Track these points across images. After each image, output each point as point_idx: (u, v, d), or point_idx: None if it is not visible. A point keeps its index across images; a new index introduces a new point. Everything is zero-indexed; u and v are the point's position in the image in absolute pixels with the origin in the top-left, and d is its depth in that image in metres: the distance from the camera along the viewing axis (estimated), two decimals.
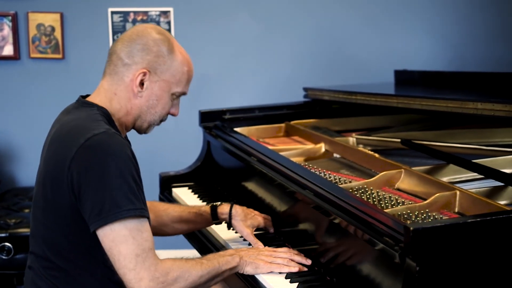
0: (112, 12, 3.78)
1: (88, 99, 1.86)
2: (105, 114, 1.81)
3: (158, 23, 3.81)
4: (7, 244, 3.16)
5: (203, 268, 1.75)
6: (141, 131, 1.93)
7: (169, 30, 3.82)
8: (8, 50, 3.79)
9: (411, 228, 1.43)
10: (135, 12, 3.80)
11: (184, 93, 1.92)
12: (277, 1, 3.85)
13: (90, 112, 1.79)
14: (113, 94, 1.84)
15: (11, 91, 3.86)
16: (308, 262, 1.90)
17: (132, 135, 3.88)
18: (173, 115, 1.94)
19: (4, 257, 3.17)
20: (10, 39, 3.78)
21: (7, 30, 3.78)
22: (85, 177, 1.65)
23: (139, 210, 1.66)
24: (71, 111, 1.84)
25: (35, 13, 3.75)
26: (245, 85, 3.90)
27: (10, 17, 3.76)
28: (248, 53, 3.88)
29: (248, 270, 1.87)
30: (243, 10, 3.84)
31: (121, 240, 1.64)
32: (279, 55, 3.89)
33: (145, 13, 3.80)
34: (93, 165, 1.65)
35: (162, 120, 1.92)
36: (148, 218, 1.70)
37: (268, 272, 1.87)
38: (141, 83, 1.82)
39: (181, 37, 3.83)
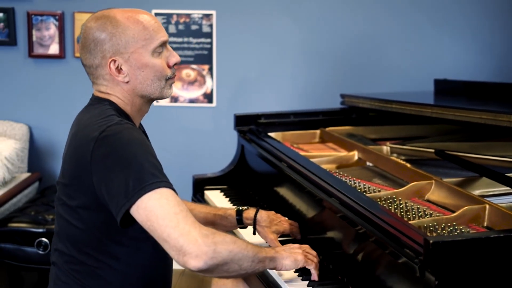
0: (156, 14, 3.82)
1: (97, 95, 1.88)
2: (117, 108, 1.83)
3: (200, 25, 3.83)
4: (44, 239, 3.22)
5: (247, 242, 1.72)
6: (161, 98, 1.89)
7: (211, 33, 3.84)
8: (54, 49, 3.87)
9: (431, 241, 1.41)
10: (178, 14, 3.84)
11: (164, 42, 1.84)
12: (319, 6, 3.83)
13: (102, 108, 1.81)
14: (110, 95, 1.85)
15: (56, 89, 3.94)
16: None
17: (172, 136, 3.92)
18: (175, 64, 1.87)
19: (41, 252, 3.23)
20: (56, 38, 3.86)
21: (53, 30, 3.86)
22: (106, 167, 1.66)
23: (164, 182, 1.65)
24: (86, 110, 1.87)
25: (81, 13, 3.82)
26: (283, 89, 3.90)
27: (57, 17, 3.85)
28: (288, 57, 3.88)
29: (288, 264, 1.81)
30: (285, 14, 3.84)
31: (155, 205, 1.61)
32: (319, 60, 3.87)
33: (188, 15, 3.83)
34: (111, 153, 1.66)
35: (168, 77, 1.86)
36: (175, 191, 1.68)
37: (289, 281, 1.86)
38: (119, 69, 1.81)
39: (223, 40, 3.86)
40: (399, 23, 3.85)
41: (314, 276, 1.84)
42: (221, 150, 3.88)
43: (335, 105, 3.38)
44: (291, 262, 1.81)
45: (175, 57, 1.87)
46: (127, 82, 1.82)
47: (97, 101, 1.86)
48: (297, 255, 1.83)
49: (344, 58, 3.86)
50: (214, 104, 3.91)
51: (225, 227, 2.23)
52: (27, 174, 3.76)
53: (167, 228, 1.59)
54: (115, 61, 1.80)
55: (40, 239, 3.22)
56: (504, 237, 1.46)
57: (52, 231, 3.22)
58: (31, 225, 3.26)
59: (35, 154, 3.97)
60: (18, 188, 3.55)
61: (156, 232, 1.61)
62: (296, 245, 1.89)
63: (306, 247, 1.90)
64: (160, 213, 1.60)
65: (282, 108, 3.75)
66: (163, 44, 1.84)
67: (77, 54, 3.85)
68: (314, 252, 1.89)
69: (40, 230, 3.24)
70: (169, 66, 1.86)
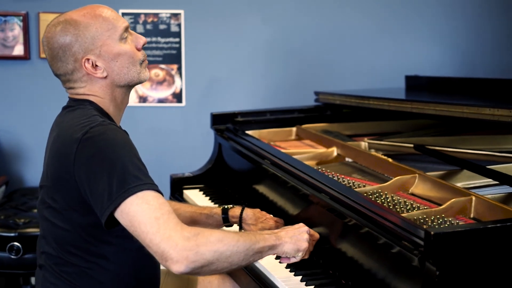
0: (123, 14, 3.79)
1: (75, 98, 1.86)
2: (98, 108, 1.82)
3: (168, 25, 3.82)
4: (16, 243, 3.16)
5: (239, 235, 1.68)
6: (139, 82, 1.89)
7: (179, 32, 3.83)
8: (19, 50, 3.80)
9: (432, 233, 1.44)
10: (145, 14, 3.81)
11: (126, 27, 1.85)
12: (288, 4, 3.86)
13: (84, 108, 1.81)
14: (89, 96, 1.85)
15: (21, 90, 3.87)
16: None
17: (142, 136, 3.90)
18: (142, 45, 1.87)
19: (13, 256, 3.17)
20: (21, 39, 3.79)
21: (18, 30, 3.79)
22: (90, 169, 1.65)
23: (148, 185, 1.64)
24: (67, 111, 1.85)
25: (46, 14, 3.76)
26: (252, 88, 3.91)
27: (21, 17, 3.78)
28: (257, 56, 3.89)
29: (288, 251, 1.78)
30: (254, 13, 3.85)
31: (136, 211, 1.60)
32: (289, 59, 3.90)
33: (156, 15, 3.81)
34: (94, 155, 1.65)
35: (142, 61, 1.87)
36: (160, 192, 1.67)
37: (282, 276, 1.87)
38: (94, 66, 1.81)
39: (191, 39, 3.85)
40: (368, 21, 3.91)
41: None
42: (192, 150, 3.87)
43: (306, 103, 3.41)
44: (293, 250, 1.78)
45: (141, 39, 1.88)
46: (105, 76, 1.82)
47: (77, 103, 1.85)
48: (301, 244, 1.79)
49: (313, 56, 3.90)
50: (183, 104, 3.90)
51: (210, 225, 2.23)
52: None
53: (149, 234, 1.58)
54: (88, 59, 1.80)
55: (12, 243, 3.16)
56: (499, 227, 1.50)
57: (24, 235, 3.17)
58: (2, 230, 3.19)
59: (0, 157, 3.88)
60: None
61: (139, 237, 1.61)
62: (304, 232, 1.83)
63: (312, 233, 1.89)
64: (142, 219, 1.59)
65: (252, 107, 3.77)
66: (126, 30, 1.85)
67: (43, 55, 3.79)
68: (316, 236, 1.90)
69: (12, 234, 3.17)
70: (138, 49, 1.86)
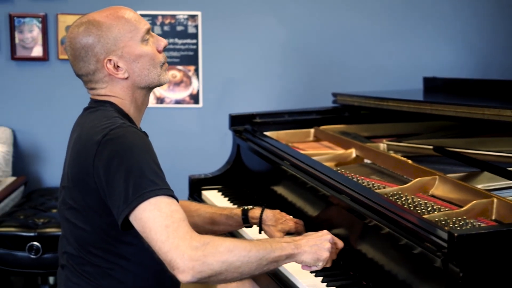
0: (141, 15, 3.80)
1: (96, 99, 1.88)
2: (118, 110, 1.84)
3: (185, 26, 3.83)
4: (35, 243, 3.19)
5: (252, 244, 1.65)
6: (160, 84, 1.90)
7: (196, 34, 3.84)
8: (37, 51, 3.83)
9: (456, 234, 1.44)
10: (163, 15, 3.83)
11: (148, 29, 1.86)
12: (304, 6, 3.86)
13: (105, 110, 1.83)
14: (110, 97, 1.86)
15: (39, 91, 3.90)
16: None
17: (159, 137, 3.92)
18: (163, 48, 1.89)
19: (32, 256, 3.20)
20: (40, 41, 3.82)
21: (36, 32, 3.82)
22: (108, 171, 1.67)
23: (163, 190, 1.65)
24: (88, 113, 1.87)
25: (64, 15, 3.79)
26: (269, 89, 3.92)
27: (40, 19, 3.81)
28: (273, 57, 3.90)
29: (307, 260, 1.74)
30: (271, 14, 3.86)
31: (148, 217, 1.61)
32: (305, 60, 3.90)
33: (173, 16, 3.83)
34: (113, 157, 1.67)
35: (162, 63, 1.89)
36: (175, 198, 1.68)
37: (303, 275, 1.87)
38: (116, 67, 1.83)
39: (208, 40, 3.86)
40: (383, 22, 3.91)
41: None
42: (209, 151, 3.88)
43: (321, 104, 3.41)
44: (312, 260, 1.75)
45: (162, 41, 1.90)
46: (127, 78, 1.84)
47: (97, 104, 1.87)
48: (322, 254, 1.75)
49: (329, 57, 3.91)
50: (200, 105, 3.92)
51: (230, 226, 2.24)
52: (13, 178, 3.71)
53: (158, 242, 1.60)
54: (110, 60, 1.82)
55: (31, 243, 3.19)
56: None
57: (44, 235, 3.20)
58: (22, 229, 3.22)
59: (19, 157, 3.92)
60: (4, 192, 3.51)
61: (150, 243, 1.63)
62: (326, 241, 1.78)
63: (336, 241, 1.83)
64: (152, 226, 1.61)
65: (268, 108, 3.77)
66: (148, 32, 1.86)
67: (61, 56, 3.82)
68: (340, 244, 1.84)
69: (31, 234, 3.20)
70: (159, 52, 1.88)
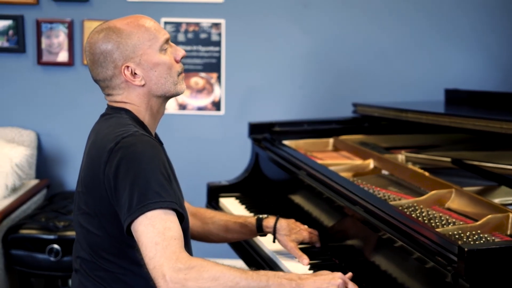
0: (165, 22, 3.85)
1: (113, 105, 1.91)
2: (133, 117, 1.86)
3: (209, 34, 3.86)
4: (55, 246, 3.23)
5: (244, 276, 1.62)
6: (176, 94, 1.91)
7: (219, 41, 3.87)
8: (63, 56, 3.89)
9: (466, 249, 1.43)
10: (187, 23, 3.86)
11: (167, 39, 1.88)
12: (327, 15, 3.86)
13: (119, 117, 1.85)
14: (126, 104, 1.88)
15: (64, 96, 3.95)
16: None
17: (180, 144, 3.93)
18: (181, 58, 1.91)
19: (52, 259, 3.24)
20: (65, 46, 3.88)
21: (62, 37, 3.87)
22: (116, 178, 1.70)
23: (165, 203, 1.66)
24: (104, 119, 1.90)
25: (90, 21, 3.84)
26: (291, 98, 3.92)
27: (66, 25, 3.86)
28: (296, 66, 3.90)
29: None
30: (293, 23, 3.87)
31: (142, 231, 1.63)
32: (327, 70, 3.90)
33: (197, 24, 3.86)
34: (122, 165, 1.69)
35: (179, 73, 1.90)
36: (178, 211, 1.69)
37: None
38: (133, 74, 1.85)
39: (231, 48, 3.88)
40: (408, 33, 3.89)
41: None
42: (229, 158, 3.90)
43: (343, 114, 3.41)
44: None
45: (180, 51, 1.91)
46: (143, 85, 1.86)
47: (113, 111, 1.89)
48: None
49: (351, 67, 3.90)
50: (222, 112, 3.94)
51: (244, 234, 2.25)
52: (36, 181, 3.76)
53: (146, 257, 1.62)
54: (128, 67, 1.84)
55: (52, 245, 3.23)
56: None
57: (64, 238, 3.24)
58: (42, 232, 3.26)
59: (42, 160, 3.97)
60: (27, 195, 3.56)
61: (142, 256, 1.64)
62: (335, 286, 1.69)
63: (348, 282, 1.73)
64: (144, 240, 1.63)
65: (290, 117, 3.78)
66: (167, 41, 1.88)
67: (86, 62, 3.87)
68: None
69: (52, 237, 3.24)
70: (176, 61, 1.90)
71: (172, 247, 1.60)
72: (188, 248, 1.94)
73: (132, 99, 1.88)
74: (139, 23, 1.86)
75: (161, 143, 1.99)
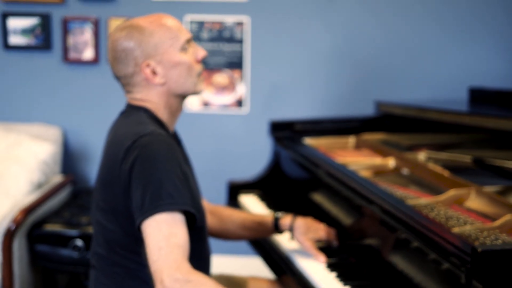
0: (191, 22, 3.86)
1: (132, 103, 1.93)
2: (151, 115, 1.88)
3: (233, 31, 3.86)
4: (79, 242, 3.26)
5: None
6: (195, 93, 1.93)
7: (243, 39, 3.87)
8: (89, 54, 3.93)
9: (479, 250, 1.41)
10: (212, 22, 3.87)
11: (189, 38, 1.90)
12: (351, 13, 3.84)
13: (138, 115, 1.87)
14: (145, 101, 1.90)
15: (90, 93, 3.99)
16: None
17: (203, 141, 3.94)
18: (202, 58, 1.92)
19: (75, 255, 3.27)
20: (91, 44, 3.91)
21: (88, 35, 3.91)
22: (131, 177, 1.72)
23: (177, 205, 1.68)
24: (123, 117, 1.93)
25: (115, 19, 3.87)
26: (315, 95, 3.91)
27: (92, 22, 3.90)
28: (320, 63, 3.89)
29: None
30: (318, 20, 3.85)
31: (149, 232, 1.66)
32: (351, 67, 3.88)
33: (221, 21, 3.86)
34: (137, 164, 1.72)
35: (199, 73, 1.92)
36: (190, 212, 1.71)
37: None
38: (154, 72, 1.86)
39: (255, 45, 3.88)
40: (432, 30, 3.85)
41: None
42: (252, 156, 3.90)
43: (367, 111, 3.39)
44: None
45: (201, 52, 1.93)
46: (163, 83, 1.88)
47: (132, 109, 1.91)
48: None
49: (376, 64, 3.87)
50: (245, 110, 3.94)
51: (262, 232, 2.26)
52: (61, 177, 3.81)
53: (149, 260, 1.65)
54: (149, 65, 1.85)
55: (75, 241, 3.26)
56: None
57: (87, 233, 3.27)
58: (67, 227, 3.30)
59: (68, 156, 4.02)
60: (52, 190, 3.60)
61: (147, 256, 1.66)
62: None
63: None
64: (149, 243, 1.65)
65: (313, 114, 3.77)
66: (188, 41, 1.90)
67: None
68: None
69: (75, 233, 3.28)
70: (197, 61, 1.91)
71: (174, 255, 1.63)
72: (205, 245, 1.95)
73: (152, 97, 1.90)
74: (161, 22, 1.88)
75: (179, 141, 2.00)
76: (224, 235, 2.27)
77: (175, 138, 1.98)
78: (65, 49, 3.93)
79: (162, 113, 1.91)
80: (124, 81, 1.91)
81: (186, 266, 1.63)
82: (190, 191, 1.79)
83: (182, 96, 1.93)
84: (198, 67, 1.92)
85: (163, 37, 1.86)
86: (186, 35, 1.89)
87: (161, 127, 1.87)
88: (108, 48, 1.91)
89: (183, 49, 1.88)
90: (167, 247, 1.63)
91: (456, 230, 1.76)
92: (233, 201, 2.83)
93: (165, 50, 1.86)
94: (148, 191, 1.68)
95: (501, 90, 3.11)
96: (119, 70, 1.89)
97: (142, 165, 1.71)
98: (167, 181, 1.70)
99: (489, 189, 2.08)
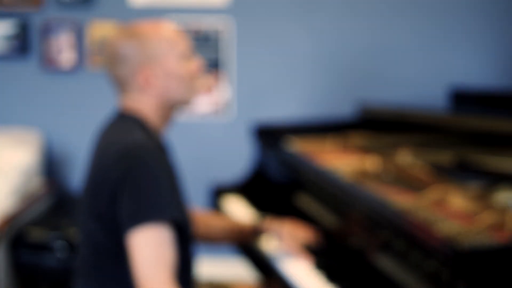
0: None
1: (122, 109, 1.92)
2: (142, 123, 1.87)
3: (213, 35, 3.86)
4: (61, 250, 3.24)
5: None
6: (189, 103, 1.92)
7: (224, 43, 3.87)
8: (69, 58, 3.89)
9: (461, 249, 1.42)
10: (190, 24, 3.87)
11: (187, 48, 1.90)
12: (331, 17, 3.86)
13: (127, 124, 1.86)
14: (138, 107, 1.89)
15: (71, 98, 3.97)
16: None
17: (188, 145, 3.92)
18: (199, 67, 1.93)
19: (58, 263, 3.26)
20: (72, 48, 3.88)
21: (68, 39, 3.88)
22: (120, 187, 1.73)
23: (166, 214, 1.70)
24: (112, 125, 1.91)
25: (96, 23, 3.84)
26: (298, 98, 3.92)
27: (72, 26, 3.87)
28: (302, 67, 3.90)
29: None
30: (297, 23, 3.86)
31: (136, 245, 1.68)
32: (331, 69, 3.90)
33: (200, 25, 3.86)
34: (126, 173, 1.73)
35: (195, 82, 1.91)
36: (178, 221, 1.73)
37: None
38: (150, 79, 1.86)
39: (239, 48, 3.88)
40: (410, 31, 3.88)
41: None
42: (236, 159, 3.88)
43: (348, 113, 3.39)
44: None
45: (199, 61, 1.94)
46: (158, 90, 1.87)
47: (122, 117, 1.90)
48: None
49: (358, 65, 3.90)
50: (228, 113, 3.94)
51: (245, 236, 2.26)
52: (43, 182, 3.78)
53: (136, 274, 1.67)
54: (146, 71, 1.85)
55: (58, 249, 3.24)
56: None
57: (70, 241, 3.25)
58: (49, 235, 3.27)
59: (49, 163, 3.99)
60: (34, 197, 3.57)
61: (132, 267, 1.69)
62: None
63: None
64: (135, 257, 1.68)
65: (297, 115, 3.77)
66: (187, 50, 1.90)
67: (93, 64, 3.88)
68: None
69: (59, 241, 3.25)
70: (194, 71, 1.91)
71: (162, 274, 1.65)
72: (189, 250, 1.95)
73: (145, 103, 1.89)
74: (162, 29, 1.88)
75: (168, 149, 1.99)
76: (207, 239, 2.27)
77: (164, 146, 1.97)
78: (45, 54, 3.88)
79: (153, 120, 1.90)
80: (119, 82, 1.89)
81: (172, 285, 1.65)
82: (178, 201, 1.80)
83: (176, 105, 1.92)
84: (195, 76, 1.91)
85: (163, 45, 1.86)
86: (186, 43, 1.89)
87: (151, 135, 1.86)
88: (107, 50, 1.91)
89: (182, 57, 1.88)
90: (154, 266, 1.65)
91: (439, 229, 1.78)
92: (215, 203, 2.82)
93: (163, 57, 1.85)
94: (136, 201, 1.69)
95: (479, 90, 3.14)
96: (115, 74, 1.88)
97: (131, 174, 1.72)
98: (156, 192, 1.71)
99: (471, 187, 2.10)
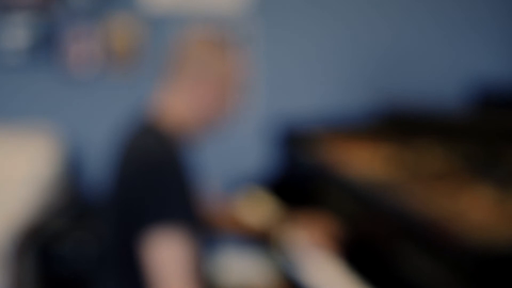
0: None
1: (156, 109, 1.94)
2: (168, 133, 1.88)
3: (238, 29, 3.84)
4: (84, 260, 3.23)
5: None
6: (221, 130, 1.97)
7: (253, 36, 3.85)
8: (93, 64, 3.90)
9: (478, 255, 1.40)
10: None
11: (247, 80, 1.96)
12: (357, 13, 3.86)
13: (155, 132, 1.88)
14: (173, 105, 1.90)
15: (93, 106, 3.97)
16: None
17: (213, 142, 3.89)
18: (244, 101, 1.98)
19: (82, 271, 3.25)
20: (94, 54, 3.87)
21: (90, 44, 3.87)
22: (138, 196, 1.77)
23: (183, 220, 1.73)
24: (136, 133, 1.92)
25: (118, 29, 3.85)
26: (319, 93, 3.92)
27: (94, 31, 3.87)
28: (332, 60, 3.91)
29: None
30: (324, 20, 3.88)
31: (159, 251, 1.71)
32: (362, 63, 3.89)
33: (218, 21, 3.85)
34: (144, 183, 1.78)
35: (236, 113, 1.96)
36: (192, 228, 1.75)
37: None
38: (204, 91, 1.89)
39: (267, 44, 3.88)
40: (435, 24, 3.87)
41: None
42: (261, 160, 3.85)
43: (372, 110, 3.37)
44: None
45: (246, 94, 1.97)
46: (203, 105, 1.89)
47: (148, 129, 1.90)
48: None
49: (386, 60, 3.90)
50: (253, 110, 3.89)
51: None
52: (67, 193, 3.78)
53: (157, 279, 1.71)
54: (202, 80, 1.86)
55: (81, 259, 3.24)
56: None
57: (95, 251, 3.24)
58: (75, 245, 3.27)
59: (72, 173, 3.99)
60: (58, 208, 3.58)
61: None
62: None
63: None
64: (158, 263, 1.71)
65: (323, 113, 3.73)
66: (247, 81, 1.94)
67: (116, 73, 3.87)
68: None
69: (82, 250, 3.25)
70: (240, 103, 1.95)
71: (182, 277, 1.68)
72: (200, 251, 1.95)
73: (184, 108, 1.89)
74: (237, 55, 1.90)
75: (184, 156, 1.99)
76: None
77: (186, 152, 1.95)
78: (66, 59, 3.86)
79: (186, 128, 1.90)
80: (176, 79, 1.89)
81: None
82: (194, 208, 1.83)
83: (211, 125, 1.93)
84: (241, 104, 1.93)
85: (231, 68, 1.88)
86: (248, 77, 1.93)
87: (175, 144, 1.86)
88: (176, 47, 1.90)
89: (240, 89, 1.91)
90: (174, 273, 1.68)
91: (469, 233, 1.73)
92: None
93: (224, 82, 1.87)
94: (151, 211, 1.74)
95: (507, 90, 3.10)
96: (182, 69, 1.88)
97: (151, 186, 1.76)
98: (175, 200, 1.75)
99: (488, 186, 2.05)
